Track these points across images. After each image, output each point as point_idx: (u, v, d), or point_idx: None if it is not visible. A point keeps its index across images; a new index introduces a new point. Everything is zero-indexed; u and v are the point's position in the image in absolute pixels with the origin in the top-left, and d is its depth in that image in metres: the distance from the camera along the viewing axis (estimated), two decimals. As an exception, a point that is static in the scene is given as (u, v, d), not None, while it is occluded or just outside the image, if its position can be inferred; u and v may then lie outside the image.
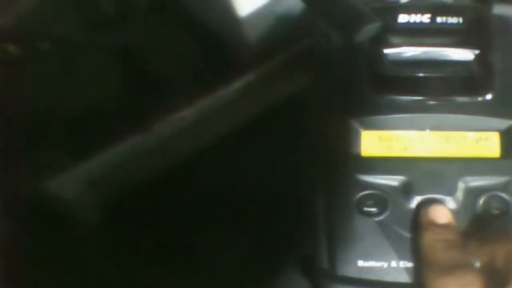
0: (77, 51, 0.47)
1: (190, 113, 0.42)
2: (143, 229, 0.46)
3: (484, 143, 0.39)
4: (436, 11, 0.40)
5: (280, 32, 0.47)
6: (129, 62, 0.45)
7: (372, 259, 0.37)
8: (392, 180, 0.38)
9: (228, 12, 0.44)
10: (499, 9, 0.42)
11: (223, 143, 0.46)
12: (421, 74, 0.39)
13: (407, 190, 0.37)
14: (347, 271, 0.37)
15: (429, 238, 0.36)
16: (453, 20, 0.40)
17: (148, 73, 0.47)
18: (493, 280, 0.33)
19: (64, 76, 0.46)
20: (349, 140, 0.38)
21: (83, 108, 0.46)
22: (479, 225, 0.37)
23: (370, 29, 0.37)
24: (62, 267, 0.44)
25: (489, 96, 0.39)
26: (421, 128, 0.39)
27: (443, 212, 0.37)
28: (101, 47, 0.46)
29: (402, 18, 0.40)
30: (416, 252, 0.36)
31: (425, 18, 0.40)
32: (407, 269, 0.37)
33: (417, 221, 0.37)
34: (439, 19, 0.40)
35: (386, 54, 0.40)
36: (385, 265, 0.37)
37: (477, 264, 0.35)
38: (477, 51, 0.40)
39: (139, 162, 0.43)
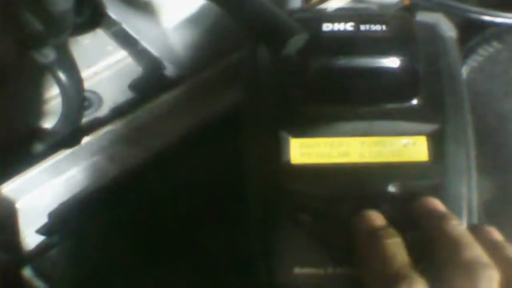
0: (5, 69, 0.46)
1: (120, 125, 0.42)
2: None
3: (412, 148, 0.39)
4: (359, 19, 0.41)
5: (210, 44, 0.47)
6: (58, 77, 0.45)
7: (308, 267, 0.37)
8: (323, 187, 0.38)
9: (156, 24, 0.44)
10: (423, 16, 0.44)
11: (155, 157, 0.46)
12: (347, 82, 0.40)
13: (338, 196, 0.38)
14: (284, 279, 0.37)
15: (367, 244, 0.36)
16: (376, 27, 0.41)
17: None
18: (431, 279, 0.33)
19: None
20: (278, 148, 0.38)
21: (12, 127, 0.45)
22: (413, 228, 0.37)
23: (296, 41, 0.36)
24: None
25: (415, 101, 0.40)
26: (349, 135, 0.39)
27: (375, 216, 0.37)
28: (30, 64, 0.45)
29: (326, 26, 0.41)
30: (351, 258, 0.36)
31: (349, 26, 0.41)
32: (343, 275, 0.37)
33: (351, 228, 0.37)
34: (362, 27, 0.41)
35: (312, 63, 0.40)
36: (322, 272, 0.37)
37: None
38: (402, 58, 0.41)
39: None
